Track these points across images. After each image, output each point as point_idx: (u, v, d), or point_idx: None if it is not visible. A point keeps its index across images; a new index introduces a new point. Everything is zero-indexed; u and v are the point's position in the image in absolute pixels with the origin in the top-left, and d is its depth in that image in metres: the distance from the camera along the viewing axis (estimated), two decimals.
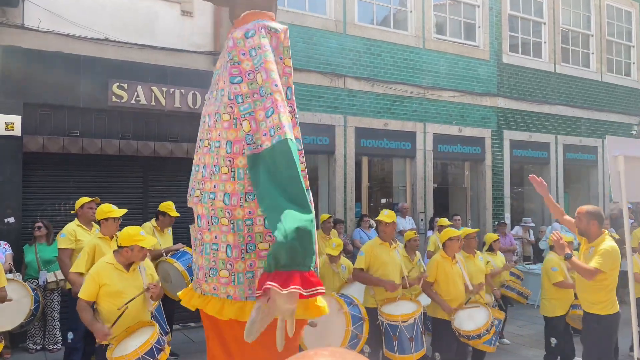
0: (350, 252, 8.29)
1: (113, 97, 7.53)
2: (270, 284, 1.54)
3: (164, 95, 7.82)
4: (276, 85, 1.84)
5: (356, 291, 5.51)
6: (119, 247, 4.08)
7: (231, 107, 1.89)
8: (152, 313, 4.35)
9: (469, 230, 5.93)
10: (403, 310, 5.00)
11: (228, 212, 1.90)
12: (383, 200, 10.78)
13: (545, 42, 12.62)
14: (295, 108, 2.01)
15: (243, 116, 1.89)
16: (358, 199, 9.99)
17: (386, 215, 5.42)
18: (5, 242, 6.44)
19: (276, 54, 1.96)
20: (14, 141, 6.97)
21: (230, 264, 1.89)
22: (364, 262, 5.16)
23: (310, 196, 1.87)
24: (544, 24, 12.63)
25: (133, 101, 7.65)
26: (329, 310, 4.58)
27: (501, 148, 11.61)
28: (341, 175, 9.55)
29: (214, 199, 1.93)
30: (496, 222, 10.88)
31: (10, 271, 6.14)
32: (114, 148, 7.50)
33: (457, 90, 10.96)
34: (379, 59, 10.06)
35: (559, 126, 12.62)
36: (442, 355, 5.29)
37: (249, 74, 1.88)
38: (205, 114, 2.04)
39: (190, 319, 7.54)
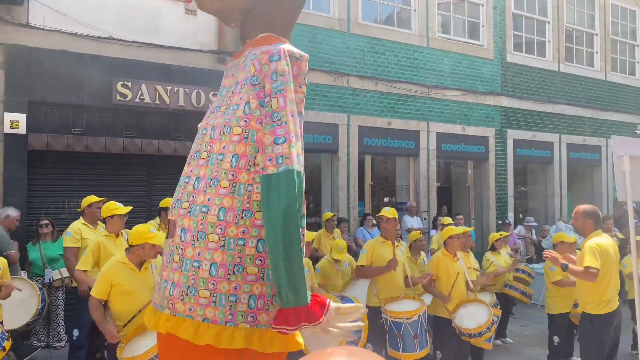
0: (353, 251, 8.29)
1: (117, 95, 7.54)
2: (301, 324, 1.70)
3: (168, 94, 7.83)
4: (292, 116, 1.83)
5: (360, 290, 5.50)
6: (130, 246, 4.08)
7: (245, 121, 1.85)
8: None
9: (463, 228, 5.91)
10: (407, 308, 5.01)
11: (220, 229, 1.82)
12: (386, 199, 10.78)
13: (549, 41, 12.59)
14: (302, 134, 2.01)
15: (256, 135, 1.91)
16: (361, 197, 9.99)
17: (387, 211, 5.43)
18: (13, 241, 6.46)
19: (296, 82, 1.94)
20: (19, 139, 6.99)
21: (213, 284, 1.79)
22: (365, 260, 5.18)
23: (304, 223, 1.90)
24: (548, 23, 12.60)
25: (137, 99, 7.67)
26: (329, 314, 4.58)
27: (505, 147, 11.59)
28: (344, 174, 9.55)
29: (207, 212, 1.85)
30: (500, 222, 10.87)
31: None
32: (118, 146, 7.52)
33: (461, 89, 10.94)
34: (383, 58, 10.05)
35: (563, 125, 12.59)
36: (443, 353, 5.30)
37: (266, 97, 1.86)
38: (206, 126, 1.98)
39: None
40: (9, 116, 6.92)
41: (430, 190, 10.51)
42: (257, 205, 1.81)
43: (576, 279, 4.82)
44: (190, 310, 1.80)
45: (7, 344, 4.23)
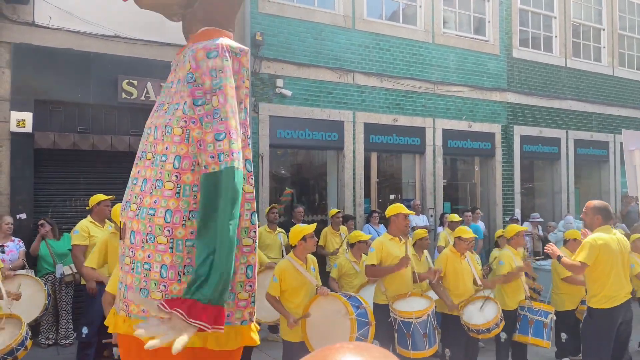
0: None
1: (123, 93, 7.56)
2: (178, 311, 1.58)
3: None
4: (232, 112, 1.80)
5: (369, 289, 5.49)
6: None
7: (185, 121, 1.84)
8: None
9: (471, 234, 5.86)
10: (416, 307, 4.98)
11: (168, 230, 1.80)
12: (392, 196, 10.75)
13: (555, 36, 12.50)
14: (249, 129, 1.97)
15: (197, 135, 1.86)
16: (367, 194, 9.97)
17: (401, 207, 5.39)
18: (19, 239, 6.51)
19: (238, 77, 1.91)
20: (25, 138, 7.02)
21: (164, 285, 1.78)
22: (375, 258, 5.12)
23: (255, 220, 1.90)
24: (555, 18, 12.51)
25: (143, 97, 7.68)
26: (337, 314, 4.56)
27: (511, 143, 11.53)
28: (350, 171, 9.53)
29: (154, 215, 1.83)
30: (507, 218, 10.83)
31: (24, 267, 6.20)
32: (124, 144, 7.53)
33: (467, 85, 10.89)
34: (388, 54, 10.02)
35: (570, 121, 12.51)
36: (453, 350, 5.28)
37: (206, 95, 1.83)
38: (150, 125, 1.96)
39: None
40: (15, 115, 6.94)
41: (437, 187, 10.48)
42: None
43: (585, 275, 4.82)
44: (144, 312, 1.80)
45: (29, 343, 4.36)
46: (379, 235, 7.02)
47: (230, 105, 1.81)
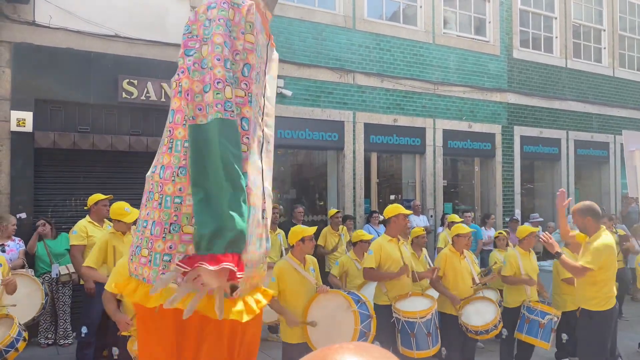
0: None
1: (123, 93, 7.55)
2: (201, 263, 1.54)
3: None
4: (218, 60, 1.75)
5: (370, 288, 5.49)
6: None
7: (178, 73, 1.83)
8: None
9: (468, 229, 5.84)
10: (419, 307, 4.98)
11: (160, 186, 1.81)
12: (392, 197, 10.74)
13: (556, 37, 12.50)
14: (252, 87, 1.91)
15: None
16: (367, 195, 9.97)
17: (401, 207, 5.38)
18: (19, 238, 6.51)
19: (238, 29, 1.86)
20: (26, 137, 7.02)
21: (151, 243, 1.77)
22: (374, 261, 5.09)
23: (246, 180, 1.80)
24: (555, 18, 12.51)
25: (143, 97, 7.67)
26: (339, 308, 4.56)
27: (511, 144, 11.53)
28: (350, 171, 9.53)
29: (154, 172, 1.88)
30: (507, 219, 10.82)
31: (23, 266, 6.20)
32: (124, 144, 7.53)
33: (467, 86, 10.89)
34: (389, 55, 10.01)
35: (570, 122, 12.50)
36: (449, 350, 5.28)
37: (196, 44, 1.82)
38: None
39: None
40: (15, 114, 6.94)
41: (437, 188, 10.48)
42: None
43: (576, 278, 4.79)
44: (135, 270, 1.83)
45: (21, 345, 4.30)
46: (379, 236, 7.01)
47: (216, 54, 1.76)
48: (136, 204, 5.46)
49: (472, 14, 11.34)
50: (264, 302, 1.99)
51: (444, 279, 5.36)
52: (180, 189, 1.77)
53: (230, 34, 1.83)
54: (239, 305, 1.82)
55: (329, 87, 9.35)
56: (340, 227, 8.25)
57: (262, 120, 2.01)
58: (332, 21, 9.44)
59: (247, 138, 1.86)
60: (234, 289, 1.80)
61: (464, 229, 5.45)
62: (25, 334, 4.39)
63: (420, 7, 10.51)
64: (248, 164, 1.83)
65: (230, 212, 1.61)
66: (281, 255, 7.06)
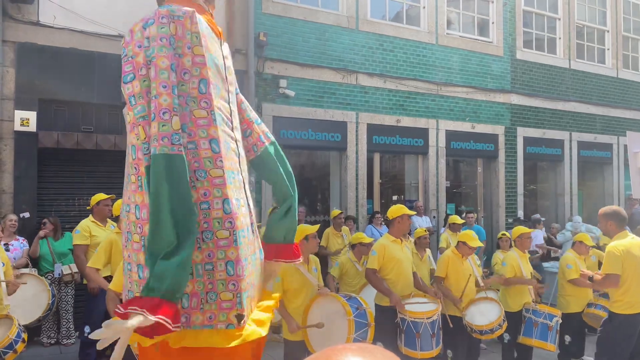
0: None
1: None
2: (134, 308, 1.47)
3: None
4: (164, 87, 1.60)
5: (371, 290, 5.47)
6: None
7: (128, 109, 1.70)
8: None
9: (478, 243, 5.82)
10: (425, 307, 4.98)
11: (139, 227, 1.67)
12: (395, 197, 10.73)
13: (559, 38, 12.47)
14: (213, 103, 1.75)
15: (137, 120, 1.66)
16: (370, 195, 9.96)
17: (404, 208, 5.37)
18: (23, 238, 6.53)
19: (183, 44, 1.69)
20: (29, 137, 7.03)
21: (141, 287, 1.65)
22: (376, 262, 5.06)
23: (230, 206, 1.70)
24: (559, 19, 12.48)
25: None
26: (335, 314, 4.54)
27: (514, 145, 11.51)
28: (353, 172, 9.52)
29: (129, 212, 1.73)
30: (510, 220, 10.80)
31: (27, 266, 6.22)
32: None
33: (470, 87, 10.87)
34: (392, 55, 10.01)
35: (574, 123, 12.47)
36: (454, 352, 5.28)
37: (141, 69, 1.65)
38: None
39: None
40: (19, 114, 6.96)
41: (440, 189, 10.46)
42: None
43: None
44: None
45: (20, 347, 4.29)
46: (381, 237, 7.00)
47: (162, 80, 1.61)
48: None
49: (475, 15, 11.32)
50: (267, 324, 1.91)
51: (446, 281, 5.36)
52: None
53: (175, 52, 1.67)
54: (248, 329, 1.76)
55: (331, 88, 9.34)
56: (343, 227, 8.25)
57: (232, 129, 1.88)
58: (335, 22, 9.44)
59: (221, 161, 1.73)
60: (240, 318, 1.73)
61: (474, 241, 5.40)
62: (24, 335, 4.37)
63: (424, 7, 10.50)
64: (227, 187, 1.72)
65: (162, 270, 1.52)
66: None
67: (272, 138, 2.25)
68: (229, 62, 1.99)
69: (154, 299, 1.50)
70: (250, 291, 1.80)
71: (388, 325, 4.93)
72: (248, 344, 1.74)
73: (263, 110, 8.65)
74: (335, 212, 8.41)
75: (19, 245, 6.39)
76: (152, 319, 1.46)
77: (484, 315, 5.21)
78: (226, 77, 1.89)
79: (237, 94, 2.12)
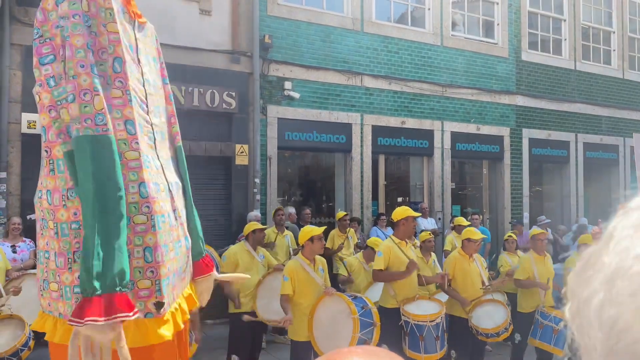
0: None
1: None
2: (87, 320, 1.39)
3: (183, 94, 7.87)
4: (82, 66, 1.55)
5: (376, 291, 5.49)
6: None
7: (38, 85, 1.66)
8: None
9: (480, 235, 5.82)
10: (428, 310, 4.98)
11: (52, 214, 1.60)
12: (400, 199, 10.73)
13: (565, 39, 12.43)
14: (129, 83, 1.70)
15: (59, 102, 1.59)
16: (375, 197, 9.96)
17: (410, 210, 5.37)
18: (30, 239, 6.56)
19: (97, 21, 1.62)
20: (36, 139, 7.06)
21: (58, 275, 1.58)
22: (382, 263, 5.10)
23: (147, 189, 1.63)
24: (564, 20, 12.44)
25: None
26: (341, 313, 4.55)
27: (520, 147, 11.48)
28: (358, 173, 9.53)
29: (41, 197, 1.66)
30: (515, 221, 10.77)
31: (34, 267, 6.25)
32: None
33: (476, 88, 10.86)
34: (397, 57, 10.01)
35: (579, 124, 12.43)
36: (458, 352, 5.27)
37: (61, 51, 1.60)
38: None
39: (207, 316, 7.57)
40: (26, 116, 7.01)
41: (445, 190, 10.45)
42: None
43: None
44: (49, 305, 1.65)
45: (25, 354, 4.39)
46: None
47: (78, 59, 1.55)
48: None
49: (480, 16, 11.31)
50: (188, 314, 1.86)
51: (453, 282, 5.35)
52: (75, 213, 1.57)
53: (91, 31, 1.61)
54: (165, 328, 1.67)
55: (336, 90, 9.36)
56: (348, 229, 8.24)
57: (148, 112, 1.82)
58: (340, 24, 9.46)
59: (137, 143, 1.67)
60: (159, 306, 1.65)
61: (476, 234, 5.43)
62: (31, 343, 4.43)
63: (429, 9, 10.50)
64: (143, 171, 1.67)
65: (100, 263, 1.45)
66: (289, 257, 7.06)
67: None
68: (147, 41, 1.95)
69: (102, 297, 1.44)
70: (171, 278, 1.73)
71: (392, 327, 4.94)
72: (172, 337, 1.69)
73: (268, 112, 8.67)
74: (340, 213, 8.41)
75: (26, 246, 6.43)
76: (111, 322, 1.42)
77: (491, 317, 5.20)
78: (138, 59, 1.83)
79: (165, 84, 2.08)
